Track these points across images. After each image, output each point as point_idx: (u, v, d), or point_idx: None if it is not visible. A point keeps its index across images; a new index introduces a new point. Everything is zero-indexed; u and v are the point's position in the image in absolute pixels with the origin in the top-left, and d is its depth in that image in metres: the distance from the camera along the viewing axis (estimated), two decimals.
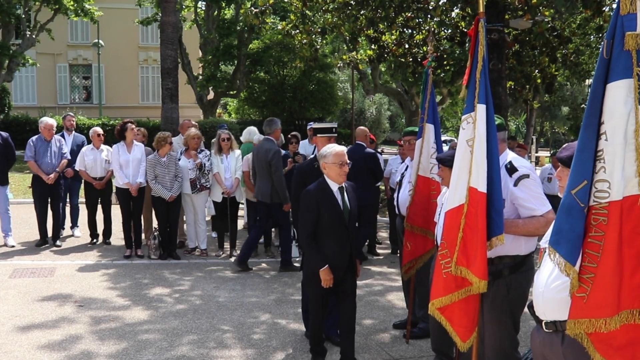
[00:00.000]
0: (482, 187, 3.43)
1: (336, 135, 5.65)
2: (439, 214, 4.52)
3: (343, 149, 4.62)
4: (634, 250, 2.41)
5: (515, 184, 3.67)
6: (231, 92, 27.31)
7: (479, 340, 3.73)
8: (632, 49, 2.40)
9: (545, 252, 2.79)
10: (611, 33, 2.48)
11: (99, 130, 9.17)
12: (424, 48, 13.51)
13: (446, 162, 4.40)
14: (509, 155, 3.86)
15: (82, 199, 9.68)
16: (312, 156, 5.91)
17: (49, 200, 9.02)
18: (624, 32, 2.41)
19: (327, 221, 4.54)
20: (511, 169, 3.72)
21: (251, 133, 9.20)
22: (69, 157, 9.15)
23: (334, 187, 4.58)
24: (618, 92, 2.45)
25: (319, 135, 5.64)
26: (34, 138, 8.95)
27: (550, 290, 2.77)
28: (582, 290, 2.55)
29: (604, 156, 2.50)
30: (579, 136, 2.62)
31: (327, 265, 4.53)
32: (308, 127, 10.68)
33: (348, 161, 4.59)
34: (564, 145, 2.99)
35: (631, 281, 2.42)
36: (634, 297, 2.42)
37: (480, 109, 3.49)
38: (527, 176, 3.69)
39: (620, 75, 2.44)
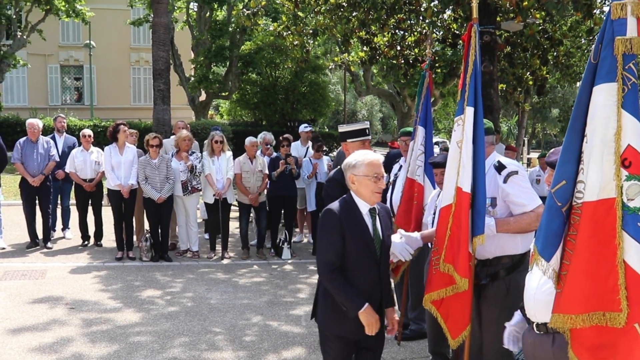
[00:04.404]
0: (467, 188, 3.53)
1: (370, 138, 4.32)
2: (435, 216, 4.56)
3: (379, 157, 3.35)
4: (610, 253, 2.43)
5: (505, 181, 3.73)
6: (223, 94, 27.25)
7: (473, 341, 3.76)
8: (621, 53, 2.44)
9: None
10: (601, 38, 2.52)
11: (88, 132, 9.16)
12: (416, 50, 13.54)
13: (443, 165, 4.44)
14: (497, 157, 3.90)
15: (73, 200, 9.65)
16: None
17: (37, 201, 8.99)
18: (613, 37, 2.45)
19: (352, 253, 3.26)
20: (500, 166, 3.79)
21: None
22: (58, 159, 9.11)
23: (364, 208, 3.31)
24: (599, 96, 2.50)
25: (349, 140, 4.31)
26: (21, 140, 8.92)
27: (542, 292, 2.80)
28: (560, 287, 2.62)
29: (583, 158, 2.55)
30: (564, 138, 2.67)
31: (367, 304, 3.22)
32: (300, 129, 10.68)
33: (384, 174, 3.35)
34: (552, 150, 3.04)
35: (606, 283, 2.44)
36: (607, 300, 2.43)
37: (469, 112, 3.59)
38: (516, 172, 3.75)
39: (603, 79, 2.48)
